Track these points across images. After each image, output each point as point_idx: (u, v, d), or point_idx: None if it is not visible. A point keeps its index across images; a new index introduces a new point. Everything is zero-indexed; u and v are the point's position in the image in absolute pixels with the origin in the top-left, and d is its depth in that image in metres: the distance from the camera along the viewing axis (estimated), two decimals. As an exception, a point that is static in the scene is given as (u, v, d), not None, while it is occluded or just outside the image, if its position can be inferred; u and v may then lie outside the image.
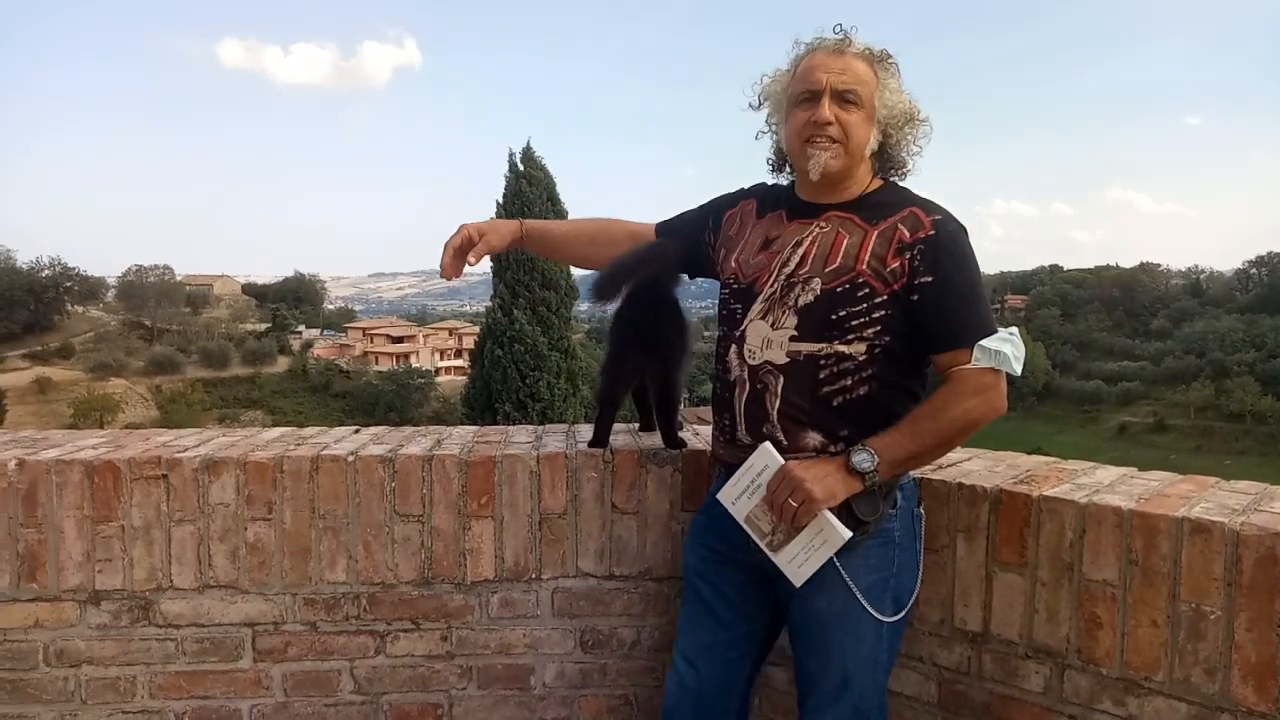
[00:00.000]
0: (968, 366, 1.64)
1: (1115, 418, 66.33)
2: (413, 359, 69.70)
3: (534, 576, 2.13)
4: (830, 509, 1.63)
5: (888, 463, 1.64)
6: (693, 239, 2.02)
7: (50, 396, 51.62)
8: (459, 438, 2.30)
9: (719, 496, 1.77)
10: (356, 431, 2.38)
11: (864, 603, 1.70)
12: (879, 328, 1.69)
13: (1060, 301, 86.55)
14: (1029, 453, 2.17)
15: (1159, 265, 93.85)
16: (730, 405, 1.79)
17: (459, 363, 65.14)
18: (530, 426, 2.44)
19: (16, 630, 2.05)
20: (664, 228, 2.10)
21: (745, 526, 1.72)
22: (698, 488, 2.12)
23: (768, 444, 1.69)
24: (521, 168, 24.75)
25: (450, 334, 77.07)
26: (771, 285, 1.76)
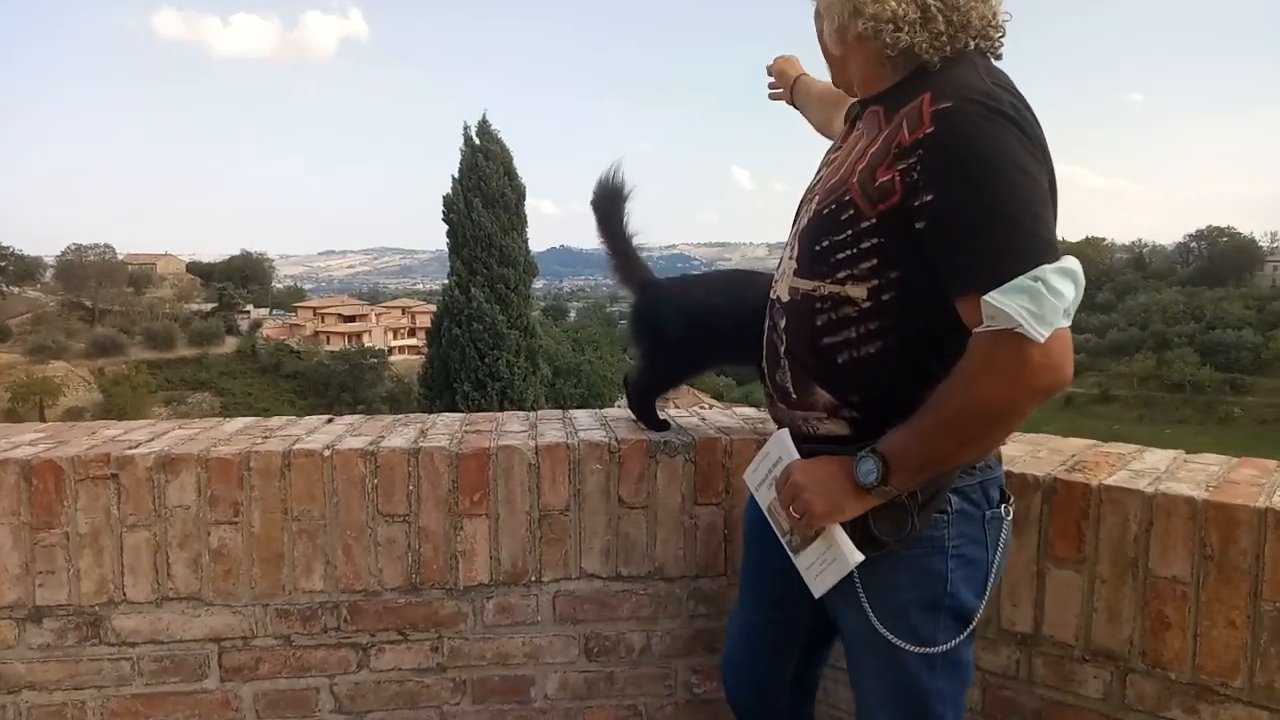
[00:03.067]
0: (979, 329, 1.19)
1: (1062, 389, 67.56)
2: (365, 338, 68.55)
3: (533, 579, 1.94)
4: (843, 524, 1.33)
5: (902, 470, 1.26)
6: None
7: (-14, 381, 49.81)
8: (445, 427, 2.09)
9: (744, 477, 1.53)
10: (330, 421, 2.16)
11: (882, 630, 1.35)
12: (874, 262, 1.28)
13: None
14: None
15: (1104, 239, 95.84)
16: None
17: (413, 341, 64.27)
18: (522, 414, 2.24)
19: (-55, 654, 1.80)
20: None
21: (768, 517, 1.48)
22: (711, 479, 1.95)
23: (784, 432, 1.45)
24: (478, 141, 24.30)
25: (403, 313, 75.89)
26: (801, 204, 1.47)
